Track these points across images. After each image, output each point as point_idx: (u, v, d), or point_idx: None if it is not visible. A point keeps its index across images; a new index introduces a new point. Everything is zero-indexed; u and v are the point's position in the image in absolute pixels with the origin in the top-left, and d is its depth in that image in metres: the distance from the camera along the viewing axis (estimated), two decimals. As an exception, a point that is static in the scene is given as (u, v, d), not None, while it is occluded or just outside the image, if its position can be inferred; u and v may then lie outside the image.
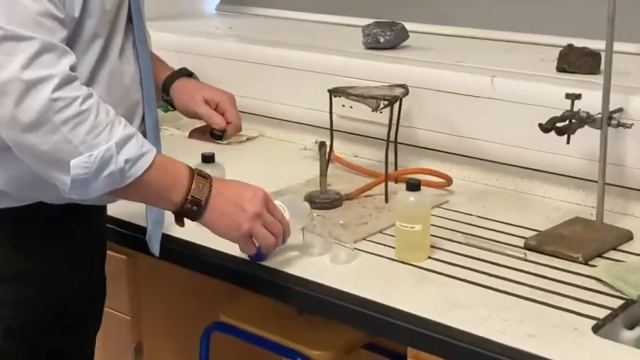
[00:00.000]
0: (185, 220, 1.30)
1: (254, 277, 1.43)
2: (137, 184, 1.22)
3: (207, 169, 1.57)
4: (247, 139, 2.13)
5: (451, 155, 1.84)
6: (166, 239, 1.49)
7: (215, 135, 1.47)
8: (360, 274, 1.40)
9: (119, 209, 1.54)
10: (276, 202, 1.37)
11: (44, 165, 1.18)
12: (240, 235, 1.31)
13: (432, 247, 1.49)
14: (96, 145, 1.17)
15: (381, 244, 1.51)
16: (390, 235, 1.55)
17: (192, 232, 1.55)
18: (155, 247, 1.46)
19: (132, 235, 1.58)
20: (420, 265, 1.42)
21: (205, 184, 1.28)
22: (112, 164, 1.18)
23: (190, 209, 1.27)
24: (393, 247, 1.49)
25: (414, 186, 1.45)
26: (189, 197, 1.26)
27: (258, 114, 2.15)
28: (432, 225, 1.58)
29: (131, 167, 1.20)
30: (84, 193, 1.19)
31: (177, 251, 1.53)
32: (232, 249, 1.48)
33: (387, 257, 1.46)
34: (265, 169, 1.90)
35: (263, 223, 1.31)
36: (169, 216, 1.33)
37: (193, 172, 1.28)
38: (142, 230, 1.57)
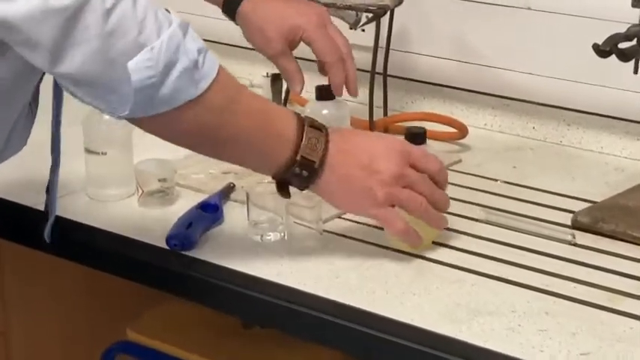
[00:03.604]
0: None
1: (177, 275, 1.43)
2: (225, 125, 1.28)
3: (106, 116, 1.56)
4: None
5: (466, 93, 1.84)
6: (40, 217, 1.48)
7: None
8: (332, 268, 1.40)
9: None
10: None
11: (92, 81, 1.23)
12: (374, 206, 1.35)
13: (438, 227, 1.50)
14: (157, 30, 1.22)
15: (363, 224, 1.51)
16: (376, 210, 1.55)
17: (83, 206, 1.56)
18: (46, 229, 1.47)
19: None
20: (422, 253, 1.42)
21: (320, 138, 1.32)
22: (183, 55, 1.23)
23: (299, 174, 1.32)
24: (379, 228, 1.48)
25: (417, 137, 1.47)
26: (298, 158, 1.31)
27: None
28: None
29: (204, 60, 1.25)
30: (150, 108, 1.25)
31: (64, 237, 1.52)
32: (145, 234, 1.47)
33: (372, 243, 1.46)
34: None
35: (406, 185, 1.35)
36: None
37: (303, 122, 1.33)
38: (13, 207, 1.55)
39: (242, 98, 1.32)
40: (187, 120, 1.27)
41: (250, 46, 2.04)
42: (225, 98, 1.29)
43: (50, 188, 1.46)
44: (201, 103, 1.26)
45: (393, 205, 1.35)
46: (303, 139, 1.31)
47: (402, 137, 1.46)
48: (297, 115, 1.34)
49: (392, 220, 1.37)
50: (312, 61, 1.97)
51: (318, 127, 1.34)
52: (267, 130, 1.31)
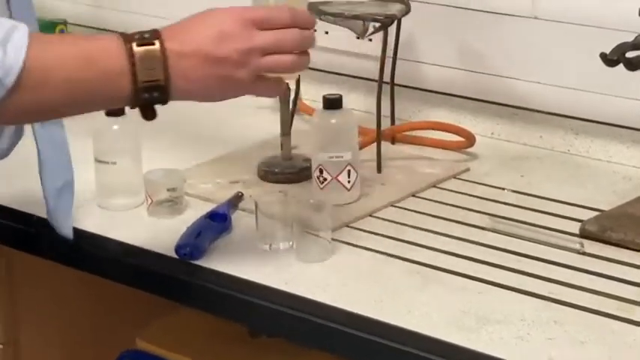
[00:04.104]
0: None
1: (186, 284, 1.43)
2: (52, 98, 1.22)
3: (115, 126, 1.57)
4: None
5: (473, 102, 1.85)
6: (50, 227, 1.49)
7: None
8: (341, 276, 1.40)
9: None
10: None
11: None
12: (241, 88, 1.30)
13: (444, 235, 1.50)
14: None
15: (371, 232, 1.51)
16: (383, 219, 1.55)
17: (90, 218, 1.56)
18: (65, 226, 1.46)
19: (8, 225, 1.57)
20: (427, 262, 1.43)
21: (154, 53, 1.25)
22: None
23: (151, 97, 1.26)
24: (388, 237, 1.49)
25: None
26: (140, 85, 1.25)
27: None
28: (443, 204, 1.59)
29: (6, 52, 1.19)
30: None
31: (74, 247, 1.52)
32: (154, 244, 1.47)
33: (380, 252, 1.46)
34: (200, 126, 1.89)
35: (263, 52, 1.29)
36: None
37: (130, 44, 1.25)
38: (23, 217, 1.55)
39: (57, 62, 1.23)
40: (10, 111, 1.22)
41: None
42: (41, 78, 1.22)
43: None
44: (15, 96, 1.20)
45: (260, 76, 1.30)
46: (136, 64, 1.24)
47: (237, 7, 1.33)
48: (123, 38, 1.25)
49: (269, 91, 1.34)
50: (320, 70, 1.98)
51: (148, 41, 1.25)
52: (97, 77, 1.24)
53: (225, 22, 1.28)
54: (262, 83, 1.31)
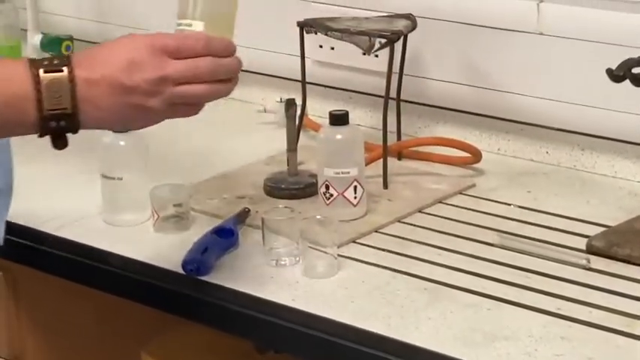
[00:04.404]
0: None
1: (192, 299, 1.43)
2: None
3: (122, 141, 1.57)
4: (180, 98, 2.13)
5: (480, 118, 1.85)
6: (55, 242, 1.49)
7: None
8: (347, 292, 1.40)
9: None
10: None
11: None
12: (155, 116, 1.27)
13: (451, 251, 1.50)
14: None
15: (377, 248, 1.52)
16: (390, 234, 1.55)
17: (96, 233, 1.57)
18: None
19: (13, 241, 1.57)
20: (434, 278, 1.43)
21: (61, 80, 1.21)
22: None
23: (58, 127, 1.22)
24: (394, 253, 1.50)
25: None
26: (45, 114, 1.21)
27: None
28: (449, 219, 1.59)
29: None
30: None
31: (80, 262, 1.53)
32: (161, 259, 1.47)
33: (387, 267, 1.46)
34: (207, 142, 1.90)
35: (175, 81, 1.25)
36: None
37: (37, 70, 1.21)
38: (28, 232, 1.56)
39: None
40: None
41: (263, 72, 2.07)
42: None
43: None
44: None
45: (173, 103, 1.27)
46: (42, 92, 1.20)
47: (152, 34, 1.29)
48: (31, 63, 1.21)
49: (185, 115, 1.30)
50: (326, 86, 1.99)
51: (56, 67, 1.21)
52: (2, 102, 1.20)
53: (137, 50, 1.24)
54: (177, 109, 1.28)
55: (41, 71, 1.21)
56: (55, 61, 1.22)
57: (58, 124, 1.21)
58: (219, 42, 1.28)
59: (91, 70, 1.22)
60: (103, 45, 1.27)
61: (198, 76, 1.26)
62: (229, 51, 1.29)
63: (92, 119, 1.23)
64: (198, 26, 1.30)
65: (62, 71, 1.21)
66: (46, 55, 2.16)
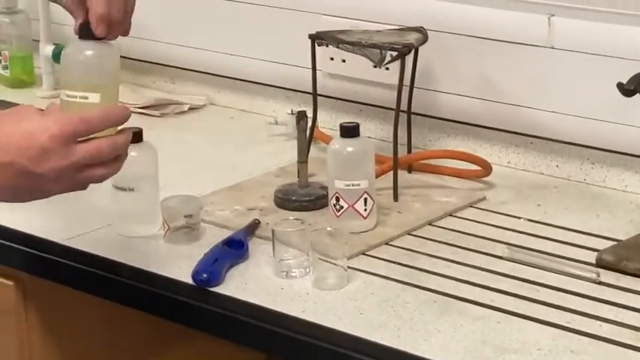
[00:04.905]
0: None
1: (202, 310, 1.44)
2: None
3: (133, 152, 1.58)
4: (190, 109, 2.13)
5: (490, 131, 1.85)
6: (66, 252, 1.50)
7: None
8: (357, 304, 1.41)
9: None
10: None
11: None
12: (47, 195, 1.30)
13: (461, 263, 1.50)
14: None
15: (387, 260, 1.52)
16: (400, 247, 1.56)
17: (107, 244, 1.57)
18: None
19: (23, 251, 1.58)
20: (444, 290, 1.43)
21: None
22: None
23: None
24: (404, 265, 1.50)
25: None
26: None
27: (206, 72, 2.16)
28: (459, 232, 1.59)
29: None
30: None
31: (90, 272, 1.54)
32: (171, 270, 1.48)
33: (397, 280, 1.47)
34: (217, 153, 1.90)
35: (80, 167, 1.27)
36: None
37: None
38: (38, 242, 1.57)
39: None
40: None
41: (275, 84, 2.07)
42: None
43: None
44: None
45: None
46: None
47: (55, 115, 1.29)
48: None
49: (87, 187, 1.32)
50: (337, 99, 1.99)
51: None
52: None
53: (48, 138, 1.25)
54: (74, 189, 1.32)
55: None
56: None
57: None
58: (117, 114, 1.30)
59: None
60: (9, 122, 1.27)
61: (101, 158, 1.29)
62: (126, 118, 1.31)
63: None
64: (94, 98, 1.30)
65: None
66: (59, 65, 2.18)
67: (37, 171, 1.25)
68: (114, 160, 1.31)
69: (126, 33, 1.37)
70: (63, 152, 1.26)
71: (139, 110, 2.06)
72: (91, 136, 1.28)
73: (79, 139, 1.27)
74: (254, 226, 1.60)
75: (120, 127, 1.32)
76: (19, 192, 1.28)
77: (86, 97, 1.30)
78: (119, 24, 1.34)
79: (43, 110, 1.30)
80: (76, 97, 1.30)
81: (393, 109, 1.73)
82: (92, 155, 1.28)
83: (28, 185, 1.27)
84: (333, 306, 1.40)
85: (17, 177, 1.25)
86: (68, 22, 2.30)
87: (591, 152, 1.76)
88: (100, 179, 1.31)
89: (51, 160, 1.25)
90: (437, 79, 1.88)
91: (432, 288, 1.44)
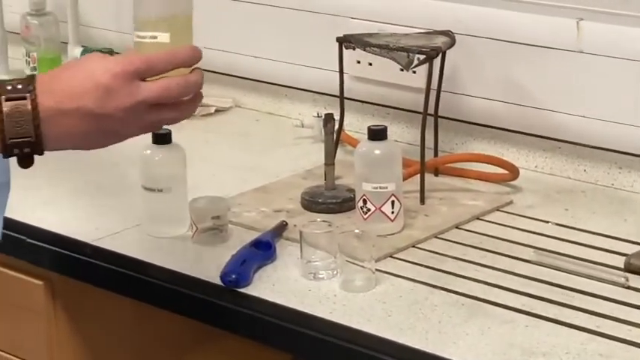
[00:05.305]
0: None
1: (231, 311, 1.44)
2: None
3: (160, 153, 1.58)
4: (217, 111, 2.14)
5: (517, 135, 1.85)
6: (96, 253, 1.51)
7: None
8: (385, 307, 1.41)
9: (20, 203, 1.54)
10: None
11: None
12: (123, 138, 1.27)
13: (488, 267, 1.50)
14: None
15: (414, 263, 1.52)
16: (427, 250, 1.56)
17: (136, 245, 1.58)
18: None
19: (52, 250, 1.59)
20: (472, 293, 1.43)
21: (24, 110, 1.20)
22: None
23: (21, 153, 1.21)
24: (431, 268, 1.50)
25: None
26: (8, 142, 1.20)
27: (232, 74, 2.16)
28: (487, 236, 1.60)
29: None
30: None
31: (119, 273, 1.55)
32: (199, 271, 1.49)
33: (424, 283, 1.47)
34: (244, 155, 1.91)
35: (148, 105, 1.24)
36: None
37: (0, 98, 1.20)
38: (67, 241, 1.58)
39: None
40: None
41: (302, 87, 2.08)
42: None
43: None
44: None
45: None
46: (4, 121, 1.19)
47: (119, 56, 1.27)
48: None
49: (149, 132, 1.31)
50: (364, 102, 2.00)
51: (20, 95, 1.20)
52: None
53: (109, 77, 1.22)
54: (147, 131, 1.29)
55: (3, 98, 1.19)
56: (19, 86, 1.20)
57: (21, 151, 1.21)
58: (185, 53, 1.27)
59: (58, 99, 1.21)
60: (72, 68, 1.25)
61: (171, 97, 1.25)
62: (196, 59, 1.28)
63: (60, 144, 1.23)
64: (163, 38, 1.28)
65: (24, 99, 1.20)
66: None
67: (104, 112, 1.22)
68: (187, 101, 1.27)
69: None
70: (127, 90, 1.22)
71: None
72: (161, 75, 1.25)
73: (149, 79, 1.24)
74: (281, 227, 1.61)
75: (192, 67, 1.28)
76: (91, 137, 1.24)
77: (155, 37, 1.28)
78: None
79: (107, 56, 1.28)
80: (145, 37, 1.28)
81: (419, 113, 1.73)
82: (160, 94, 1.24)
83: (98, 128, 1.23)
84: (361, 308, 1.41)
85: (85, 121, 1.22)
86: (96, 25, 2.34)
87: (619, 157, 1.76)
88: (172, 121, 1.28)
89: (116, 99, 1.22)
90: (464, 82, 1.88)
91: (460, 291, 1.44)
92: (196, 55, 1.27)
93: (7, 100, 1.19)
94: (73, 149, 1.26)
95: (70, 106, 1.21)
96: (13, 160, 1.24)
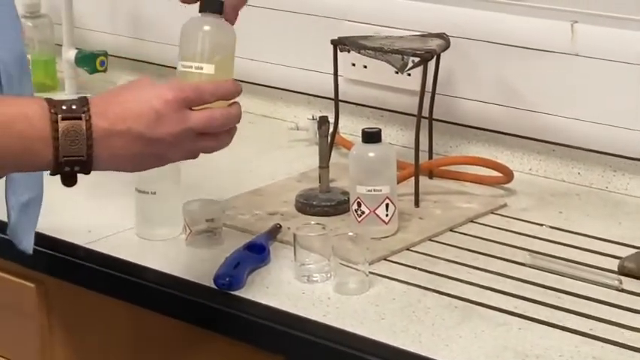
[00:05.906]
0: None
1: (224, 314, 1.44)
2: None
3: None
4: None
5: (511, 138, 1.85)
6: (88, 255, 1.51)
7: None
8: (378, 309, 1.41)
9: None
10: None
11: None
12: (167, 162, 1.31)
13: (482, 270, 1.50)
14: None
15: (408, 266, 1.53)
16: (421, 252, 1.56)
17: (129, 247, 1.58)
18: (25, 241, 1.47)
19: (45, 253, 1.60)
20: (465, 296, 1.43)
21: (79, 130, 1.23)
22: None
23: (72, 170, 1.25)
24: (425, 271, 1.50)
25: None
26: (61, 160, 1.24)
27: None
28: (481, 239, 1.60)
29: None
30: None
31: (112, 275, 1.55)
32: (193, 274, 1.48)
33: (418, 285, 1.47)
34: (238, 158, 1.91)
35: (195, 133, 1.28)
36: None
37: (56, 115, 1.23)
38: (60, 244, 1.57)
39: None
40: None
41: (296, 89, 2.08)
42: None
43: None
44: None
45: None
46: (60, 139, 1.22)
47: (169, 83, 1.32)
48: (49, 105, 1.23)
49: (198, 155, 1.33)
50: (358, 104, 2.00)
51: (75, 115, 1.23)
52: (15, 144, 1.22)
53: (161, 103, 1.27)
54: (190, 157, 1.33)
55: (60, 117, 1.23)
56: (74, 106, 1.24)
57: (72, 169, 1.25)
58: (228, 87, 1.32)
59: (111, 121, 1.25)
60: (123, 92, 1.29)
61: (215, 127, 1.30)
62: (237, 93, 1.33)
63: (108, 165, 1.27)
64: (209, 69, 1.33)
65: (80, 119, 1.23)
66: (81, 69, 2.19)
67: (154, 136, 1.26)
68: (225, 132, 1.32)
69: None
70: (178, 117, 1.27)
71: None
72: (204, 106, 1.29)
73: (194, 108, 1.28)
74: (275, 230, 1.61)
75: (231, 101, 1.33)
76: (137, 159, 1.28)
77: (201, 68, 1.32)
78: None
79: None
80: (191, 67, 1.33)
81: (414, 115, 1.73)
82: (205, 123, 1.28)
83: (148, 151, 1.27)
84: (355, 311, 1.41)
85: (136, 144, 1.26)
86: (91, 27, 2.34)
87: (613, 160, 1.76)
88: (211, 150, 1.32)
89: (167, 124, 1.26)
90: (459, 85, 1.88)
91: (454, 294, 1.44)
92: (238, 90, 1.33)
93: (64, 119, 1.23)
94: (117, 170, 1.30)
95: (121, 127, 1.25)
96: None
